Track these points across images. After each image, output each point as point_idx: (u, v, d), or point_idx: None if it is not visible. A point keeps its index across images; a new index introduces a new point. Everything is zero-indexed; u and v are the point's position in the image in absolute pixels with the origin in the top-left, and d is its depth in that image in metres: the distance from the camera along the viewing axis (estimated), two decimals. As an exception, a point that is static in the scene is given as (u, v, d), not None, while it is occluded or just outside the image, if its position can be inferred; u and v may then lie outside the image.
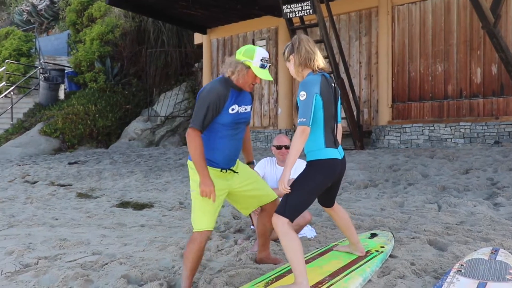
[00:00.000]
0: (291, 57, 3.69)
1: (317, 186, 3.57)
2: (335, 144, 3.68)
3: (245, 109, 3.93)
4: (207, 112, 3.68)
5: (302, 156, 3.68)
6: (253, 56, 3.72)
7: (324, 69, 3.67)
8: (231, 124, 3.83)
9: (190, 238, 3.81)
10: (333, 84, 3.70)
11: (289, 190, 3.52)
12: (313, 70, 3.62)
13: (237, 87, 3.83)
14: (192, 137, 3.69)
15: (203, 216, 3.77)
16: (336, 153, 3.64)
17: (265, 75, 3.75)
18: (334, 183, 3.81)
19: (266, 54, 3.78)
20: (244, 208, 4.24)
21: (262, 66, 3.74)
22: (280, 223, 3.45)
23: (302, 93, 3.48)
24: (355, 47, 13.85)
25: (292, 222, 3.49)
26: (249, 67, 3.74)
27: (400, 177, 8.72)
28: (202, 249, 3.79)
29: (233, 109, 3.81)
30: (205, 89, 3.79)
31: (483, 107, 11.55)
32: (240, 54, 3.79)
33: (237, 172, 4.02)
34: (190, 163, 3.93)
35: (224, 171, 3.92)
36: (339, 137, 3.84)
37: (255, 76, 3.77)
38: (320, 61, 3.65)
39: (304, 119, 3.42)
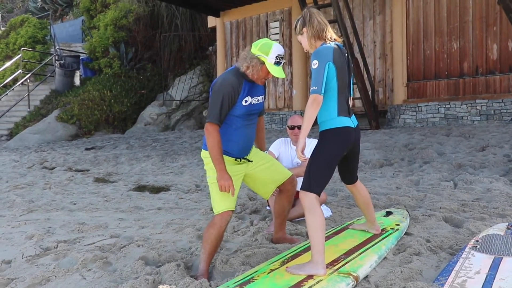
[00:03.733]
0: (304, 29, 3.66)
1: (334, 155, 3.55)
2: (348, 113, 3.66)
3: (258, 100, 3.95)
4: (223, 104, 3.70)
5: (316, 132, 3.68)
6: (268, 52, 3.71)
7: (337, 40, 3.65)
8: (244, 115, 3.86)
9: (210, 222, 3.85)
10: (346, 54, 3.67)
11: (306, 158, 3.55)
12: (326, 41, 3.61)
13: (249, 79, 3.84)
14: (211, 132, 3.71)
15: (221, 199, 3.80)
16: (349, 122, 3.62)
17: (278, 72, 3.74)
18: (351, 154, 3.80)
19: (282, 51, 3.76)
20: (263, 192, 4.25)
21: (277, 63, 3.73)
22: (308, 199, 3.45)
23: (315, 61, 3.46)
24: (369, 26, 13.73)
25: (319, 195, 3.49)
26: (263, 63, 3.73)
27: (415, 156, 8.68)
28: (222, 233, 3.83)
29: (246, 101, 3.84)
30: (217, 81, 3.81)
31: (500, 84, 11.42)
32: (256, 48, 3.77)
33: (251, 161, 4.06)
34: (204, 153, 3.97)
35: (239, 160, 3.98)
36: None
37: (268, 72, 3.77)
38: (332, 32, 3.64)
39: (316, 88, 3.41)
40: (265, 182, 4.17)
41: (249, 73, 3.79)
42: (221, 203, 3.80)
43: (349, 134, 3.60)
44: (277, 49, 3.73)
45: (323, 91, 3.42)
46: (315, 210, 3.42)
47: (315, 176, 3.50)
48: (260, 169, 4.11)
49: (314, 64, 3.46)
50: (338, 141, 3.56)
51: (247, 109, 3.86)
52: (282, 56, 3.76)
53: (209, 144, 3.72)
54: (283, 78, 15.54)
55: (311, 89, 3.44)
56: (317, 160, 3.53)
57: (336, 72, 3.50)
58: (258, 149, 4.25)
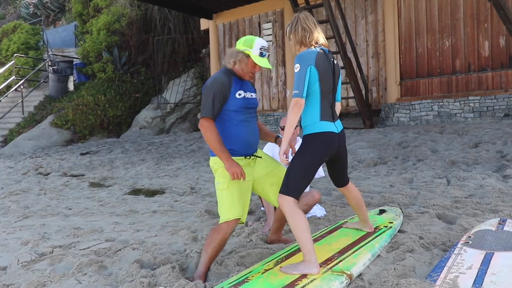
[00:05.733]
0: (291, 36, 3.72)
1: (314, 160, 3.55)
2: (332, 118, 3.65)
3: (251, 95, 3.97)
4: (214, 99, 3.73)
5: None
6: (252, 45, 3.81)
7: (323, 45, 3.68)
8: (242, 108, 3.86)
9: (216, 228, 3.82)
10: (332, 59, 3.68)
11: (288, 161, 3.56)
12: (311, 46, 3.62)
13: (239, 76, 3.89)
14: (206, 126, 3.72)
15: (231, 206, 3.77)
16: (332, 127, 3.62)
17: (264, 63, 3.81)
18: (337, 158, 3.80)
19: (265, 44, 3.85)
20: (273, 197, 4.06)
21: (261, 55, 3.81)
22: (285, 203, 3.46)
23: (296, 65, 3.49)
24: (361, 25, 13.77)
25: (298, 199, 3.50)
26: (248, 56, 3.80)
27: (409, 154, 8.72)
28: (226, 239, 3.82)
29: (240, 94, 3.85)
30: (208, 81, 3.85)
31: (492, 80, 11.47)
32: (240, 44, 3.87)
33: (260, 157, 4.04)
34: (212, 160, 3.92)
35: (248, 157, 3.94)
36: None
37: (255, 65, 3.83)
38: (318, 37, 3.65)
39: (297, 91, 3.43)
40: (273, 187, 4.06)
41: (237, 69, 3.85)
42: (230, 210, 3.76)
43: (331, 139, 3.60)
44: (260, 41, 3.84)
45: (304, 95, 3.43)
46: (295, 213, 3.43)
47: (294, 180, 3.51)
48: (267, 174, 4.03)
49: (296, 67, 3.49)
50: (319, 146, 3.56)
51: (243, 102, 3.86)
52: (266, 47, 3.84)
53: (207, 137, 3.73)
54: (277, 80, 15.62)
55: (292, 92, 3.47)
56: (296, 165, 3.54)
57: (319, 76, 3.51)
58: (264, 153, 4.21)
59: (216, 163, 3.88)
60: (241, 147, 3.90)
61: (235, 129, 3.87)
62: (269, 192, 4.09)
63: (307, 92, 3.48)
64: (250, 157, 3.95)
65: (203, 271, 3.79)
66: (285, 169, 4.08)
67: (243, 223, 3.90)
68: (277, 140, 4.20)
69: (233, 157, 3.79)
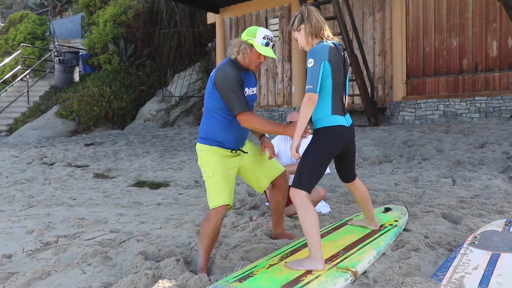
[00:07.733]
0: (301, 26, 3.64)
1: (326, 153, 3.54)
2: (343, 112, 3.65)
3: (253, 91, 3.99)
4: (238, 93, 3.73)
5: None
6: (255, 35, 3.78)
7: (333, 38, 3.66)
8: None
9: (206, 216, 3.86)
10: (342, 53, 3.66)
11: (299, 156, 3.55)
12: (322, 39, 3.61)
13: (243, 68, 3.87)
14: (249, 119, 3.75)
15: (217, 192, 3.82)
16: (343, 120, 3.61)
17: (267, 52, 3.78)
18: (345, 153, 3.80)
19: (269, 33, 3.82)
20: (257, 186, 4.26)
21: (266, 44, 3.77)
22: (298, 196, 3.46)
23: (310, 60, 3.46)
24: (368, 23, 13.73)
25: (310, 193, 3.49)
26: (252, 46, 3.77)
27: (414, 153, 8.70)
28: (218, 227, 3.83)
29: (245, 92, 3.86)
30: (219, 76, 3.79)
31: (499, 81, 11.42)
32: (244, 35, 3.85)
33: (247, 152, 4.09)
34: (198, 146, 3.98)
35: (234, 151, 3.99)
36: None
37: (259, 54, 3.80)
38: (329, 31, 3.64)
39: (311, 86, 3.41)
40: (258, 176, 4.18)
41: (240, 59, 3.82)
42: (217, 197, 3.81)
43: (342, 133, 3.59)
44: (263, 31, 3.81)
45: (318, 90, 3.42)
46: (307, 207, 3.42)
47: (306, 173, 3.50)
48: (253, 163, 4.12)
49: (310, 62, 3.46)
50: (331, 140, 3.55)
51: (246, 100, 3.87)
52: (270, 37, 3.80)
53: (258, 125, 3.78)
54: (283, 75, 15.58)
55: (306, 87, 3.44)
56: (309, 158, 3.53)
57: (331, 71, 3.49)
58: (252, 143, 4.26)
59: (202, 150, 3.95)
60: (230, 142, 3.94)
61: (228, 125, 3.89)
62: (253, 180, 4.21)
63: (320, 86, 3.46)
64: (236, 152, 4.00)
65: (204, 263, 3.80)
66: (267, 157, 4.18)
67: (231, 208, 3.94)
68: (261, 138, 4.22)
69: (219, 150, 3.88)
